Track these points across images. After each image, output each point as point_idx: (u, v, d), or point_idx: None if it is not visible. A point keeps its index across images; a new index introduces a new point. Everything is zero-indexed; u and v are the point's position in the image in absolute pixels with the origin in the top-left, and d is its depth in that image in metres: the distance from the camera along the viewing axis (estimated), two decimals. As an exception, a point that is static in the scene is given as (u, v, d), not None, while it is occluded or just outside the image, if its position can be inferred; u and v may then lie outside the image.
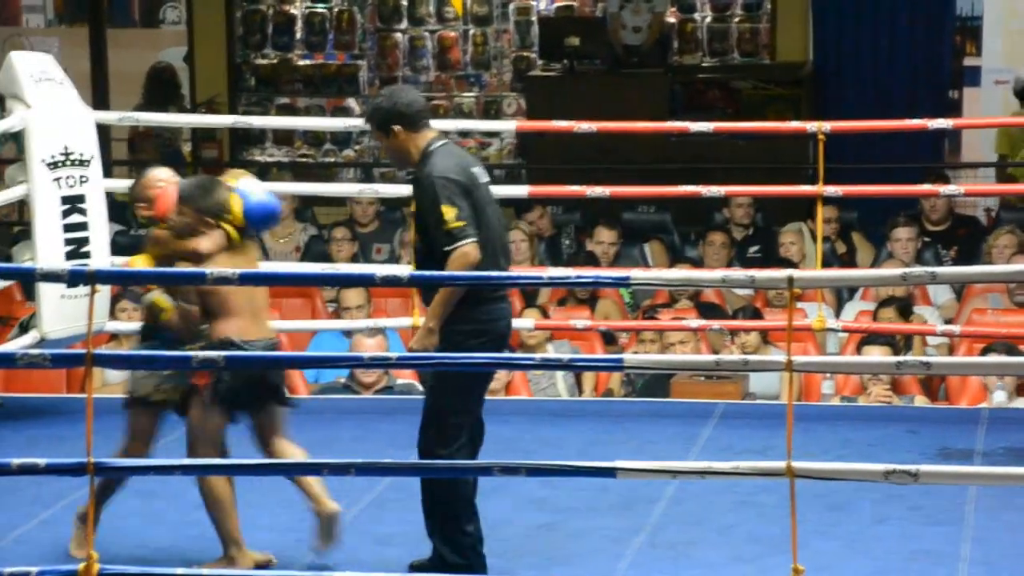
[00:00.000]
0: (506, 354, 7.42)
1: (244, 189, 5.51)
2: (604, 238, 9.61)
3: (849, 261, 9.78)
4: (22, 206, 7.42)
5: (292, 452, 5.59)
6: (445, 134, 5.54)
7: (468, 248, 5.22)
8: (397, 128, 5.33)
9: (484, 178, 5.43)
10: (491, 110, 12.73)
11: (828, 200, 7.95)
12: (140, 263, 5.52)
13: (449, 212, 5.20)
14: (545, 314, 8.40)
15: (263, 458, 5.52)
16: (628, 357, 5.46)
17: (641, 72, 11.78)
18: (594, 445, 6.90)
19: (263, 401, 5.56)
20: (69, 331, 7.03)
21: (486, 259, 5.28)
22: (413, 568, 5.47)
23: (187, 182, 5.61)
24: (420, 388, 8.07)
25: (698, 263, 9.56)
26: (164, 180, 5.68)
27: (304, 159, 12.56)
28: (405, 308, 8.60)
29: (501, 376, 7.80)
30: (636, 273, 5.56)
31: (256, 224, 5.54)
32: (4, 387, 7.73)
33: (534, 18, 12.69)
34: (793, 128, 8.30)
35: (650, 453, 6.58)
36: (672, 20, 12.47)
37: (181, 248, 5.47)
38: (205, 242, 5.45)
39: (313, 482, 5.54)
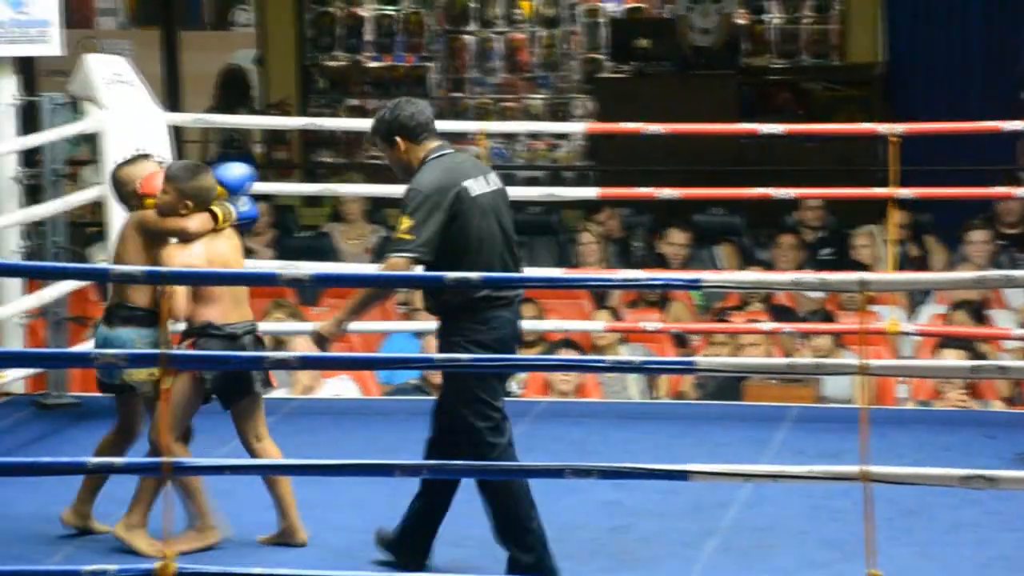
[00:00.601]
0: (577, 356, 7.44)
1: (228, 178, 5.63)
2: (675, 240, 9.58)
3: (922, 264, 9.70)
4: (96, 207, 7.47)
5: (273, 452, 5.68)
6: (450, 144, 5.50)
7: (395, 261, 5.27)
8: (399, 139, 5.39)
9: (482, 188, 5.38)
10: (560, 112, 12.73)
11: (901, 203, 7.88)
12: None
13: (404, 223, 5.27)
14: (616, 316, 8.39)
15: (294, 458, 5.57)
16: (700, 360, 5.44)
17: (710, 74, 11.75)
18: (666, 448, 6.88)
19: (241, 390, 5.66)
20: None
21: (483, 269, 5.28)
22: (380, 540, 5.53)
23: (176, 163, 5.78)
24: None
25: (769, 265, 9.51)
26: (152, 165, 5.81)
27: (374, 161, 12.60)
28: (475, 310, 8.59)
29: (571, 378, 7.80)
30: (707, 275, 5.54)
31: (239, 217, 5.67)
32: (81, 387, 7.79)
33: (603, 20, 12.67)
34: (864, 130, 8.24)
35: (722, 456, 6.54)
36: (742, 21, 12.43)
37: (167, 227, 5.56)
38: (193, 222, 5.55)
39: (291, 502, 5.65)
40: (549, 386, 7.93)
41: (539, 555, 5.43)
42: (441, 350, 5.38)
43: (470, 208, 5.32)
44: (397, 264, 5.28)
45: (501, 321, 5.37)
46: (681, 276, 6.99)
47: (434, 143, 5.42)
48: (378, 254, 10.15)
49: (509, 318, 5.41)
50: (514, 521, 5.42)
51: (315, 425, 7.16)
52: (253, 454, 5.71)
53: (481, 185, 5.39)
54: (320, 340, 5.46)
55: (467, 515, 6.02)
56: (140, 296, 5.64)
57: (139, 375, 5.62)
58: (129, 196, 5.75)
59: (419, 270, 5.30)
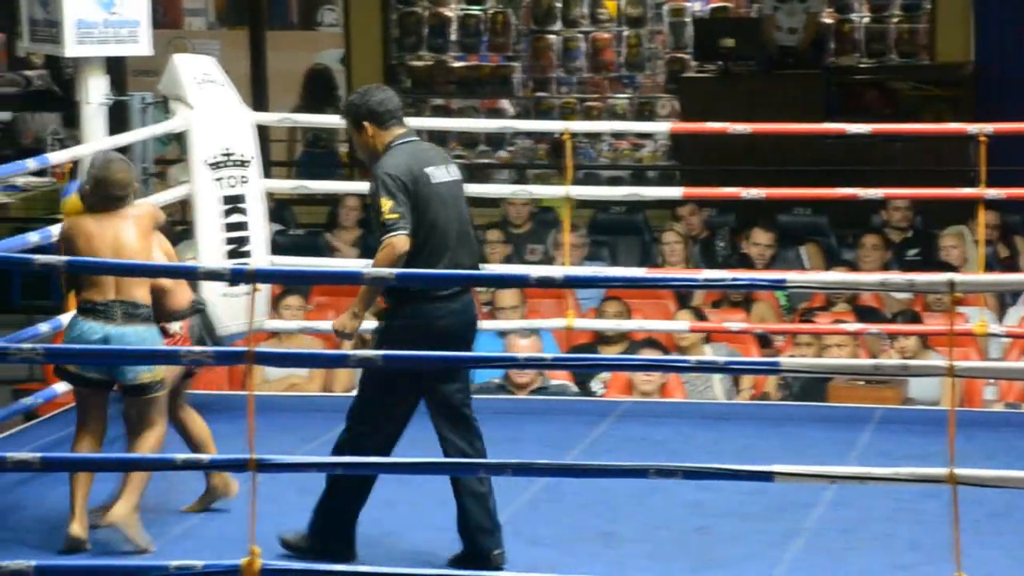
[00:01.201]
0: (660, 356, 7.41)
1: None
2: (760, 240, 9.53)
3: (1012, 265, 9.59)
4: (184, 206, 7.54)
5: (147, 446, 5.73)
6: (417, 132, 5.67)
7: (395, 240, 5.40)
8: (367, 124, 5.55)
9: (443, 177, 5.54)
10: (644, 111, 12.70)
11: (990, 203, 7.81)
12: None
13: (385, 204, 5.43)
14: (701, 316, 8.35)
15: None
16: (785, 360, 5.43)
17: (797, 73, 11.68)
18: (750, 449, 6.84)
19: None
20: (230, 329, 7.12)
21: (429, 255, 5.42)
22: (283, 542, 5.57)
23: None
24: (574, 389, 8.07)
25: (855, 266, 9.44)
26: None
27: (458, 160, 12.60)
28: (559, 309, 8.60)
29: (653, 378, 7.76)
30: (792, 275, 5.52)
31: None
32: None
33: (688, 19, 12.63)
34: (953, 129, 8.16)
35: (807, 457, 6.49)
36: (829, 21, 12.34)
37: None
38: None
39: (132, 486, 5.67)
40: (632, 386, 7.91)
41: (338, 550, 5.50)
42: (382, 335, 5.50)
43: (429, 194, 5.49)
44: (400, 243, 5.41)
45: (445, 309, 5.48)
46: (766, 276, 6.96)
47: (400, 130, 5.59)
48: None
49: (452, 307, 5.50)
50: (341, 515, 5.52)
51: (399, 423, 7.17)
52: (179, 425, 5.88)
53: (442, 173, 5.56)
54: (340, 335, 5.53)
55: (543, 513, 6.02)
56: (144, 293, 5.70)
57: (151, 375, 5.68)
58: (115, 198, 5.75)
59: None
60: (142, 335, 5.65)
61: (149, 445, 5.73)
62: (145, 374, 5.68)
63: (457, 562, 5.53)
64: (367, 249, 10.12)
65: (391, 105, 5.58)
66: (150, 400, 5.72)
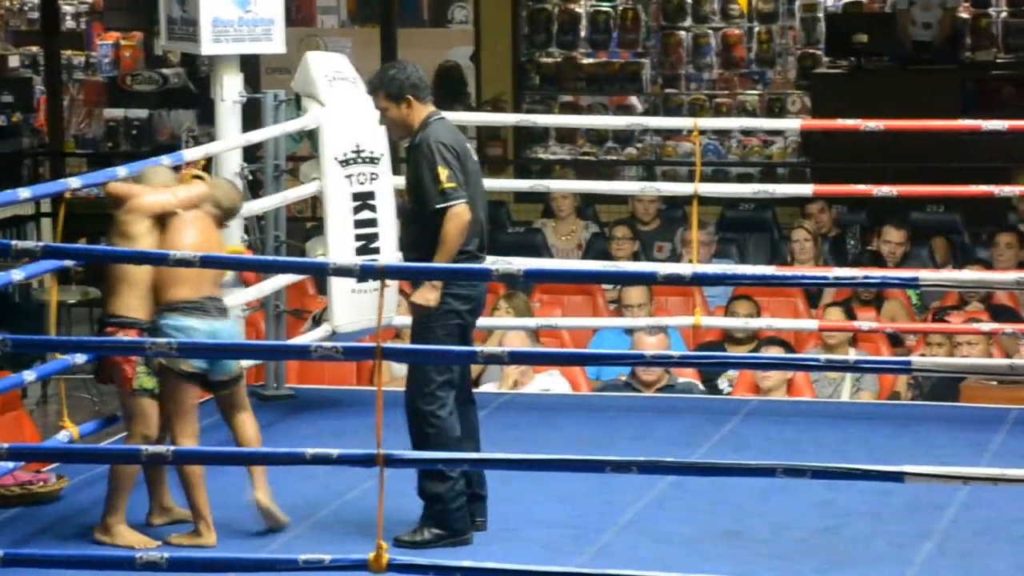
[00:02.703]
0: (791, 355, 7.35)
1: None
2: (892, 238, 9.43)
3: None
4: (315, 202, 7.61)
5: (253, 429, 5.85)
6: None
7: (460, 208, 5.61)
8: (410, 97, 5.71)
9: (475, 156, 5.81)
10: (775, 108, 12.60)
11: None
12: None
13: (443, 173, 5.62)
14: (851, 315, 8.21)
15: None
16: (916, 359, 5.34)
17: (931, 69, 11.52)
18: (879, 449, 6.77)
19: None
20: (359, 325, 7.20)
21: (474, 224, 5.63)
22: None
23: None
24: (701, 387, 8.04)
25: (989, 264, 9.30)
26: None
27: (586, 157, 12.62)
28: (686, 307, 8.57)
29: (773, 375, 7.66)
30: (925, 274, 5.43)
31: None
32: (298, 379, 7.96)
33: (821, 15, 12.51)
34: (1093, 126, 7.99)
35: (938, 458, 6.42)
36: (965, 15, 12.15)
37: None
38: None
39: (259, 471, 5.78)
40: (759, 384, 7.86)
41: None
42: (419, 324, 5.66)
43: (471, 168, 5.72)
44: (463, 211, 5.61)
45: (477, 293, 5.71)
46: (898, 274, 6.88)
47: (432, 107, 5.79)
48: (588, 250, 10.18)
49: (479, 295, 5.73)
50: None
51: (524, 420, 7.20)
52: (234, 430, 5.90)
53: (472, 151, 5.82)
54: (421, 309, 5.64)
55: (670, 511, 6.00)
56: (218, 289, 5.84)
57: (241, 365, 5.85)
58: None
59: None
60: (235, 327, 5.89)
61: (254, 428, 5.90)
62: (237, 366, 5.86)
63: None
64: (493, 245, 10.12)
65: (427, 82, 5.81)
66: (241, 387, 5.90)
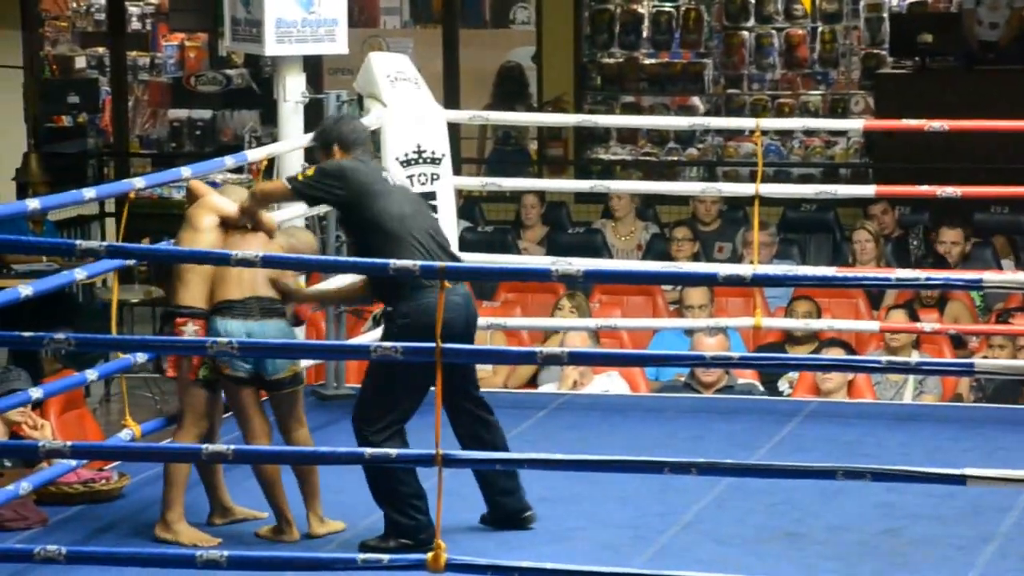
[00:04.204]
0: (848, 356, 7.30)
1: None
2: (947, 237, 9.36)
3: None
4: (376, 203, 7.62)
5: (307, 440, 5.83)
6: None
7: (282, 183, 5.94)
8: (335, 148, 5.87)
9: (395, 183, 5.86)
10: (838, 108, 12.54)
11: None
12: None
13: (307, 170, 5.94)
14: (915, 317, 8.16)
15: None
16: (979, 362, 5.33)
17: (997, 69, 11.43)
18: (941, 451, 6.73)
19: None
20: (419, 325, 7.20)
21: (401, 248, 5.62)
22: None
23: None
24: (761, 388, 8.01)
25: (1054, 266, 9.22)
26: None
27: (647, 157, 12.60)
28: (747, 308, 8.54)
29: (832, 376, 7.62)
30: (989, 276, 5.40)
31: None
32: (357, 379, 7.97)
33: (885, 15, 12.44)
34: None
35: (1001, 461, 6.37)
36: (1032, 15, 12.06)
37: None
38: None
39: (317, 500, 5.78)
40: (820, 386, 7.82)
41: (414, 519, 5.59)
42: (386, 329, 5.68)
43: (380, 189, 5.73)
44: (278, 187, 5.98)
45: (448, 304, 5.44)
46: (961, 276, 6.83)
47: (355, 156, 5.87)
48: (648, 251, 10.17)
49: (458, 302, 5.62)
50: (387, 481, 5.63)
51: (583, 421, 7.20)
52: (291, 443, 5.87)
53: (390, 178, 5.88)
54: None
55: (729, 512, 5.99)
56: (271, 289, 5.82)
57: (293, 368, 5.81)
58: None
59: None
60: (282, 329, 5.79)
61: (305, 443, 5.85)
62: (290, 367, 5.79)
63: (487, 522, 5.77)
64: (552, 246, 10.16)
65: (360, 135, 5.90)
66: (294, 394, 5.84)
